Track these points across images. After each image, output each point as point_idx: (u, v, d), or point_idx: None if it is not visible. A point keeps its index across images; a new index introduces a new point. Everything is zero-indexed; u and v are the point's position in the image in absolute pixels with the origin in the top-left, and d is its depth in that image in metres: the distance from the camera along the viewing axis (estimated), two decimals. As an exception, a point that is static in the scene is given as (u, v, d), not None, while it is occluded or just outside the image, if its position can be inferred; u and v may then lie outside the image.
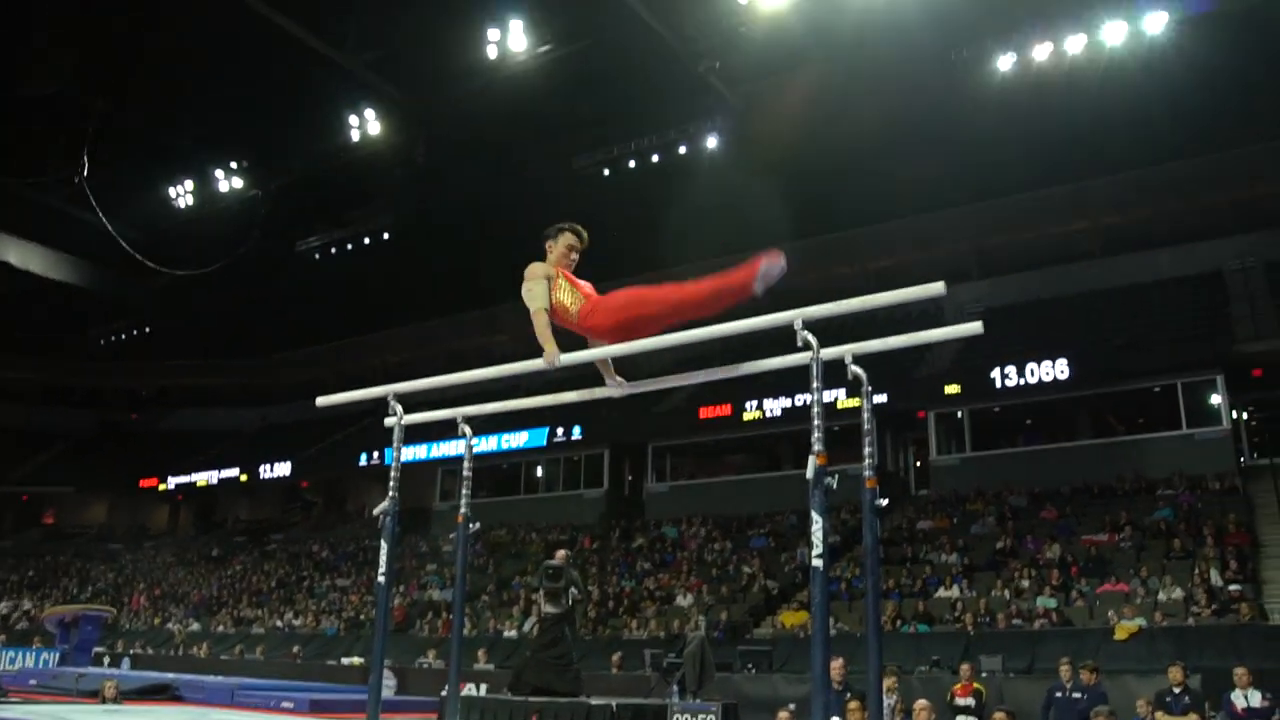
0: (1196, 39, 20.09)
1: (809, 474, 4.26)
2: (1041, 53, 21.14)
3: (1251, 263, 24.27)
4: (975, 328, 4.98)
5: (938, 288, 4.26)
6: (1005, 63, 21.50)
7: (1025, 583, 16.75)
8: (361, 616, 23.74)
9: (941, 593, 17.36)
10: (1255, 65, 21.19)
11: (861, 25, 20.30)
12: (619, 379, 5.54)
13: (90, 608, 22.25)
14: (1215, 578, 15.29)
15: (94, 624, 20.02)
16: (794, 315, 4.42)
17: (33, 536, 40.98)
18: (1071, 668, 11.12)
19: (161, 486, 38.51)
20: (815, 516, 4.25)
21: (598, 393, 5.65)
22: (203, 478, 37.37)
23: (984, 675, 12.92)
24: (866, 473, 4.76)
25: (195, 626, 27.01)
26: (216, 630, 26.37)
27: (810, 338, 4.39)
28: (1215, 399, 20.66)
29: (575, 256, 5.49)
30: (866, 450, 4.85)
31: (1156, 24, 20.10)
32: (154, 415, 44.80)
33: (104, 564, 36.20)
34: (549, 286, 5.28)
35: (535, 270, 5.35)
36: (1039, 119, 22.68)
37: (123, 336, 42.88)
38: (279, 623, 25.70)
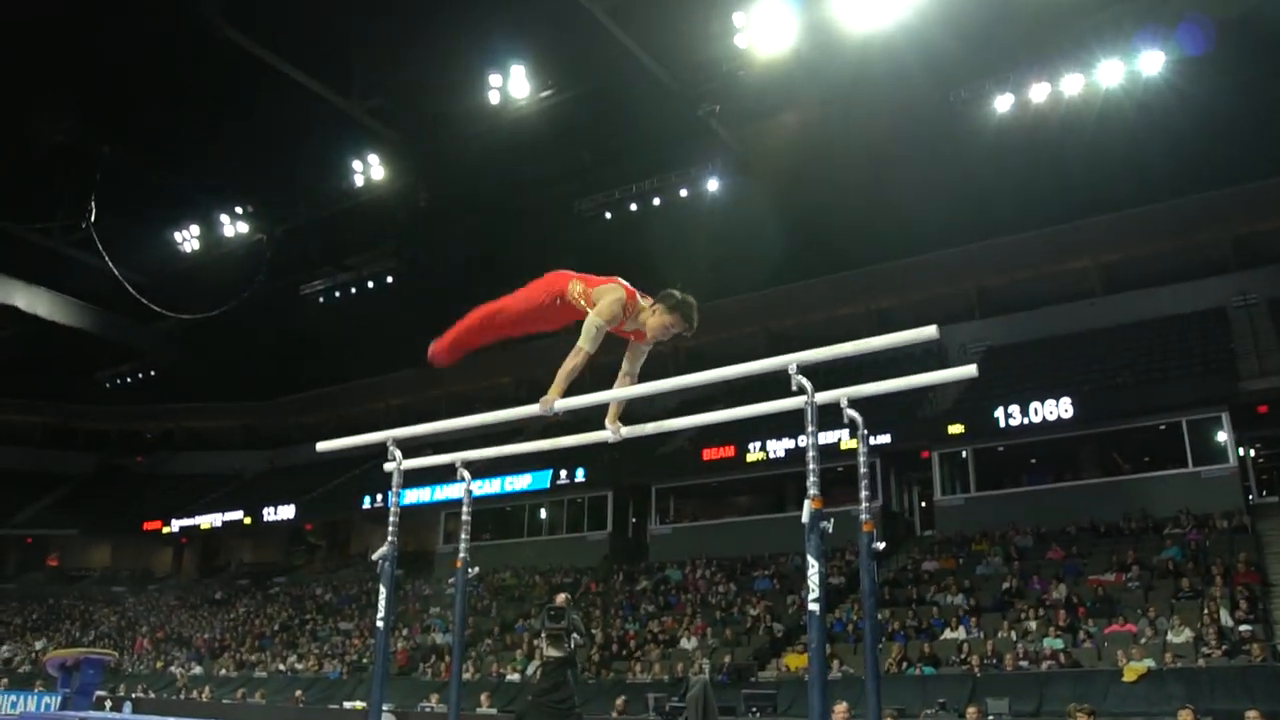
0: (1192, 79, 20.23)
1: (804, 518, 4.26)
2: (1039, 93, 21.26)
3: (1254, 299, 24.33)
4: (970, 371, 5.01)
5: (930, 331, 4.28)
6: (1003, 103, 21.63)
7: (1032, 624, 16.60)
8: (364, 660, 23.58)
9: (947, 634, 17.23)
10: (1251, 104, 21.37)
11: (860, 68, 20.46)
12: (617, 424, 5.53)
13: (92, 651, 22.04)
14: (1225, 618, 15.14)
15: (96, 668, 19.81)
16: (788, 360, 4.43)
17: (37, 579, 40.89)
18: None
19: (165, 529, 38.44)
20: (811, 560, 4.24)
21: (594, 437, 5.64)
22: (206, 520, 37.32)
23: (991, 718, 12.82)
24: (863, 516, 4.77)
25: (198, 670, 26.83)
26: (219, 674, 26.18)
27: (805, 382, 4.40)
28: (1221, 436, 20.56)
29: (664, 338, 5.22)
30: (863, 494, 4.86)
31: (1153, 64, 20.23)
32: (159, 458, 44.88)
33: (107, 607, 36.08)
34: (599, 333, 5.09)
35: (612, 308, 5.11)
36: (1037, 159, 22.84)
37: (128, 380, 42.94)
38: (281, 666, 25.53)
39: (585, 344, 5.05)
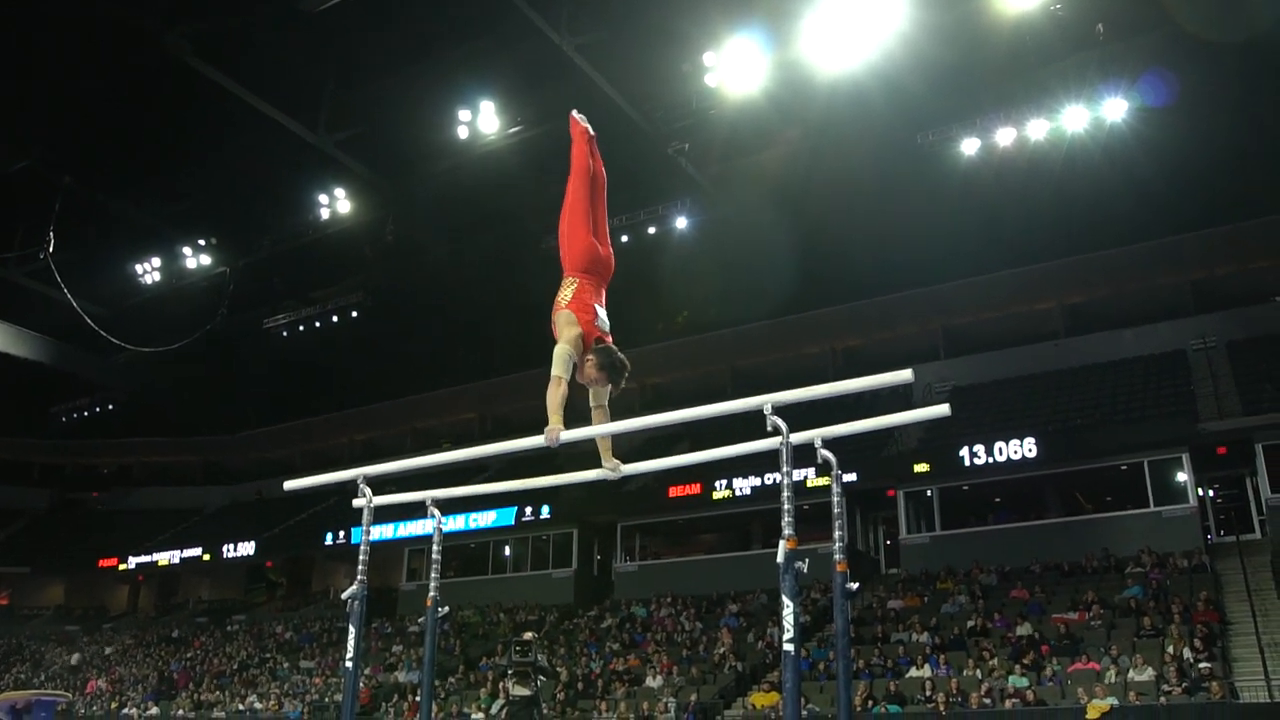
0: (1155, 125, 20.63)
1: (779, 558, 4.23)
2: (1005, 137, 21.56)
3: (1212, 342, 24.70)
4: (943, 410, 5.02)
5: (905, 375, 4.30)
6: (970, 146, 21.91)
7: (996, 662, 16.64)
8: (326, 700, 23.20)
9: (913, 673, 17.20)
10: (1212, 152, 21.78)
11: (829, 109, 20.69)
12: (616, 461, 5.48)
13: (44, 693, 21.62)
14: (1186, 655, 15.26)
15: (48, 710, 19.35)
16: (763, 401, 4.42)
17: (-14, 619, 39.93)
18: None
19: (121, 566, 37.69)
20: (786, 601, 4.22)
21: (585, 476, 5.60)
22: (164, 557, 36.64)
23: (957, 758, 12.78)
24: (837, 557, 4.74)
25: (154, 711, 26.27)
26: (176, 714, 25.66)
27: (780, 423, 4.39)
28: (1181, 477, 20.80)
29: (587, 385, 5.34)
30: (837, 534, 4.83)
31: (1116, 110, 20.59)
32: (116, 493, 44.09)
33: (60, 646, 35.29)
34: (569, 360, 5.13)
35: (574, 342, 5.17)
36: (1004, 201, 23.13)
37: (85, 414, 42.26)
38: (240, 706, 25.04)
39: (558, 370, 5.07)
